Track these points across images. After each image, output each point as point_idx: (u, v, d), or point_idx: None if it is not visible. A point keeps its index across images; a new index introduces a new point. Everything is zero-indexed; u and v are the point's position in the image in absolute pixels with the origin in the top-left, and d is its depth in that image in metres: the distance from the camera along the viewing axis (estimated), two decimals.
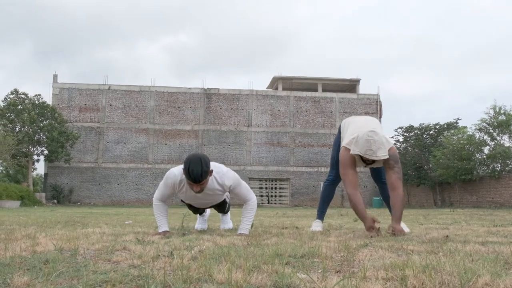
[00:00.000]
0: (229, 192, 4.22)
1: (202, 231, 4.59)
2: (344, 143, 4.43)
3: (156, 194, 4.13)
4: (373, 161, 4.25)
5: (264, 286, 1.66)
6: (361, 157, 4.23)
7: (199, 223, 5.02)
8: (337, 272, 2.08)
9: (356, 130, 4.36)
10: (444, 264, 2.13)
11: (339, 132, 4.90)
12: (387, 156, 4.13)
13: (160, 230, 4.05)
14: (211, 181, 3.88)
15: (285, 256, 2.43)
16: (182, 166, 3.79)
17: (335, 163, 4.96)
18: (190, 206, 4.50)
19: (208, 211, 5.13)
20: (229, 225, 4.97)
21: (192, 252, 2.57)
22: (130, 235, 3.89)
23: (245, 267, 1.92)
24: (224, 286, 1.62)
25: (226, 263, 2.06)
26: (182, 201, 4.42)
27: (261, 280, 1.73)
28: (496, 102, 29.86)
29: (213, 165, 3.90)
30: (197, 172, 3.55)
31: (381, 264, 2.17)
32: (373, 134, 4.10)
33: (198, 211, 4.68)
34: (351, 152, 4.23)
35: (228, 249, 2.70)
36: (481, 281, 1.75)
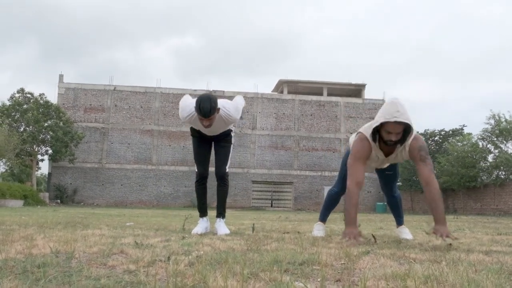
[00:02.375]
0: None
1: (202, 235, 4.54)
2: (359, 130, 4.08)
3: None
4: (396, 139, 3.77)
5: None
6: (382, 139, 3.82)
7: (199, 227, 4.96)
8: (337, 281, 2.03)
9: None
10: (447, 275, 2.08)
11: (348, 149, 4.64)
12: (412, 124, 3.72)
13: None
14: (218, 117, 4.40)
15: (284, 263, 2.38)
16: (191, 104, 4.42)
17: (343, 177, 4.68)
18: (198, 153, 4.95)
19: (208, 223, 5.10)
20: (226, 230, 4.89)
21: (190, 257, 2.52)
22: (129, 238, 3.84)
23: (242, 275, 1.87)
24: None
25: (222, 270, 2.01)
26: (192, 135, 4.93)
27: None
28: (493, 111, 29.77)
29: (223, 103, 4.45)
30: (206, 108, 4.12)
31: (382, 274, 2.11)
32: (398, 100, 3.74)
33: (205, 163, 4.99)
34: (374, 124, 3.83)
35: (226, 254, 2.65)
36: None
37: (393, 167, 4.56)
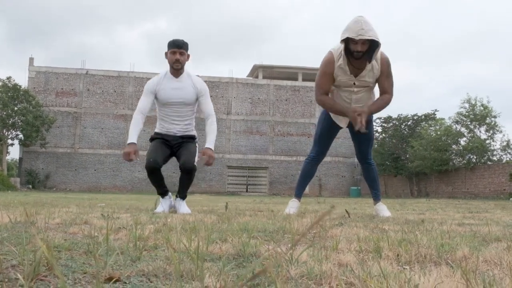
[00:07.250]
0: (196, 98, 4.62)
1: (171, 212, 4.42)
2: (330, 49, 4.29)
3: (138, 106, 4.60)
4: (362, 49, 3.99)
5: (226, 254, 1.52)
6: (349, 59, 4.08)
7: (162, 205, 4.62)
8: (309, 246, 1.95)
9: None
10: (421, 239, 2.03)
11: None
12: (379, 40, 3.97)
13: (128, 142, 4.38)
14: (187, 76, 4.60)
15: (255, 231, 2.30)
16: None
17: (318, 139, 4.77)
18: (154, 151, 4.58)
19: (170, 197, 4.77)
20: (187, 210, 4.59)
21: (156, 225, 2.42)
22: (96, 213, 3.72)
23: (208, 238, 1.78)
24: (181, 254, 1.48)
25: (188, 235, 1.92)
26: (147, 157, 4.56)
27: (224, 250, 1.60)
28: (469, 95, 30.31)
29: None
30: (180, 40, 4.47)
31: (355, 238, 2.05)
32: (363, 18, 3.95)
33: (159, 157, 4.55)
34: (340, 40, 4.03)
35: (194, 224, 2.56)
36: (460, 253, 1.64)
37: (367, 126, 4.42)
